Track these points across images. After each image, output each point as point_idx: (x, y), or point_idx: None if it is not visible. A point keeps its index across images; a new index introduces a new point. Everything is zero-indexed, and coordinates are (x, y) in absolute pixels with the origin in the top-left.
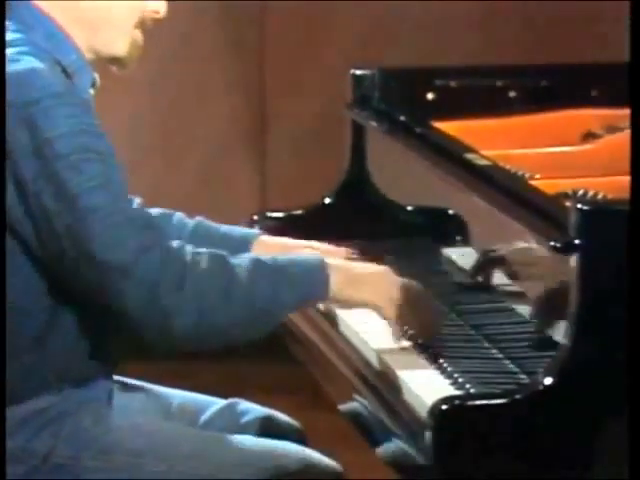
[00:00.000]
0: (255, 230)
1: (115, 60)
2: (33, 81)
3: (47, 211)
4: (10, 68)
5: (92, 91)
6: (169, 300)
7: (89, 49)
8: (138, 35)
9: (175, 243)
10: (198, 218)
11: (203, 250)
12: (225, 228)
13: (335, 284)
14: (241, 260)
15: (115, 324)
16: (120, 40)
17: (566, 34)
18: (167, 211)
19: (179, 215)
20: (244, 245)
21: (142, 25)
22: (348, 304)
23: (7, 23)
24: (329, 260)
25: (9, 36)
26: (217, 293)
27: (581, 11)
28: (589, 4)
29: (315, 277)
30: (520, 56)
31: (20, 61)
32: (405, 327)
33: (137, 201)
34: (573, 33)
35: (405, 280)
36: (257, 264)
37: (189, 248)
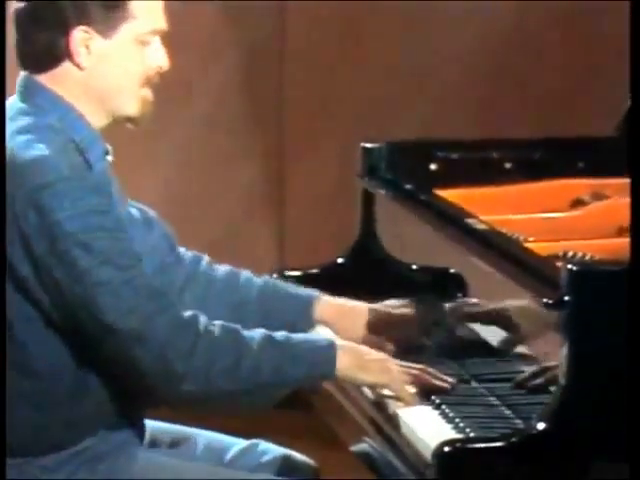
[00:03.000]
0: (315, 292)
1: (129, 119)
2: (42, 168)
3: (59, 284)
4: (20, 155)
5: (110, 158)
6: (179, 365)
7: (102, 115)
8: (147, 92)
9: (188, 312)
10: (265, 277)
11: (217, 322)
12: (292, 288)
13: (343, 366)
14: (254, 334)
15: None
16: (130, 102)
17: (557, 110)
18: (235, 270)
19: (247, 274)
20: (309, 304)
21: (149, 82)
22: (354, 384)
23: (23, 106)
24: (339, 342)
25: (24, 121)
26: (226, 364)
27: (575, 84)
28: (585, 78)
29: (322, 357)
30: (515, 130)
31: (30, 149)
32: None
33: (205, 259)
34: (565, 108)
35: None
36: (268, 340)
37: (203, 318)
